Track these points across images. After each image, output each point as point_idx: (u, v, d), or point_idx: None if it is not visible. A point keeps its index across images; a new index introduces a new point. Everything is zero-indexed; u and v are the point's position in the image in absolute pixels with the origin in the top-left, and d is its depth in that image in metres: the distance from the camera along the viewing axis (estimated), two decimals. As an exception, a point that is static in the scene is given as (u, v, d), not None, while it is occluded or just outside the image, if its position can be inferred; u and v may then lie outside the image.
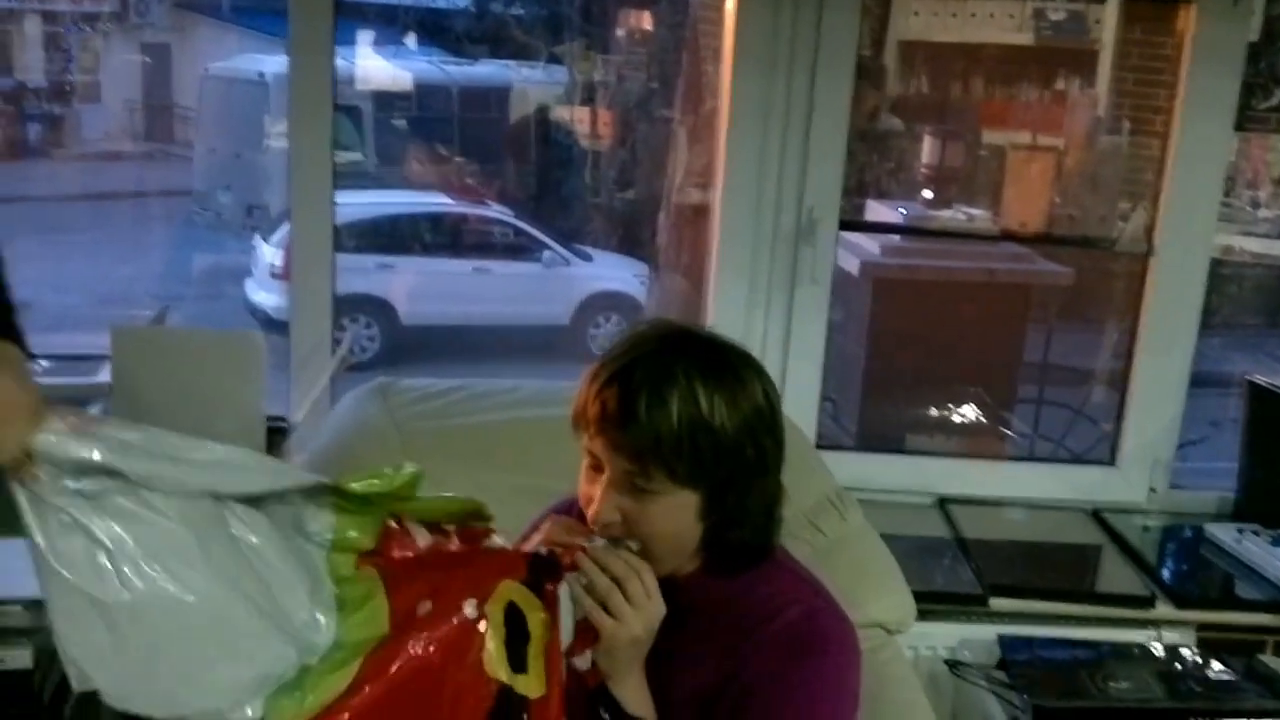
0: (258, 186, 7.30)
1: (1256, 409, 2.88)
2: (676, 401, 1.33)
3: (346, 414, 2.39)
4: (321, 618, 1.23)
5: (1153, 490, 2.94)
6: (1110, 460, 3.02)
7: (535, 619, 1.30)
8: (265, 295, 6.33)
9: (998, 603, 2.52)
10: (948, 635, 2.48)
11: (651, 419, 1.32)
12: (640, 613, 1.34)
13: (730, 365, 1.39)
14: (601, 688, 1.37)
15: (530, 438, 2.24)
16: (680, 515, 1.39)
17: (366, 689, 1.21)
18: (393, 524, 1.30)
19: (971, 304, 4.11)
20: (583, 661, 1.36)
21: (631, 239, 6.67)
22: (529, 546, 1.37)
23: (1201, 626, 2.54)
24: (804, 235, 2.75)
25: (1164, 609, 2.53)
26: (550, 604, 1.31)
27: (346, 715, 1.20)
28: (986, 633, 2.45)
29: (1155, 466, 2.93)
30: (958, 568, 2.62)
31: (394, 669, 1.22)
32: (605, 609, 1.33)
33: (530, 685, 1.28)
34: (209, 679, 1.18)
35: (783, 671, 1.39)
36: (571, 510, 1.53)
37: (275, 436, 2.67)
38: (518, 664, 1.27)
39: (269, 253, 6.45)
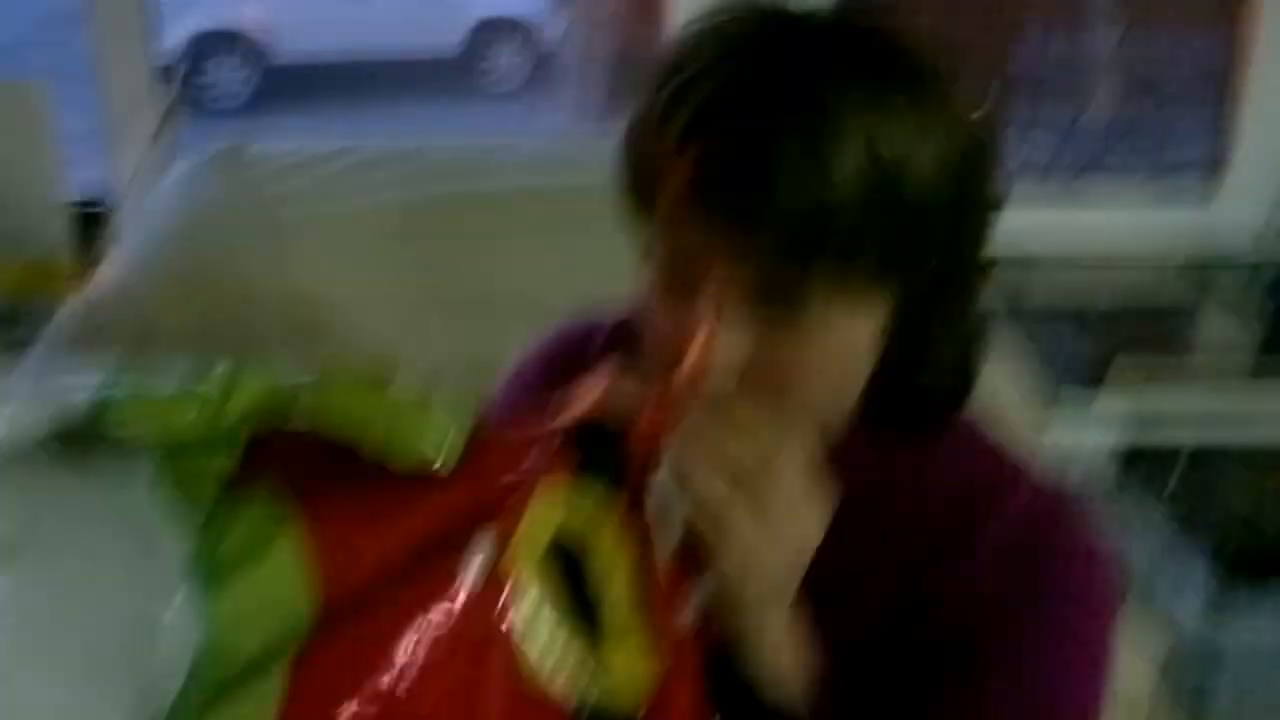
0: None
1: None
2: (850, 145, 0.73)
3: (175, 200, 1.74)
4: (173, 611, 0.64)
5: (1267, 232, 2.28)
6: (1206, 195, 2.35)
7: (606, 545, 0.76)
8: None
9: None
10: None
11: (808, 182, 0.73)
12: (788, 527, 0.77)
13: (917, 72, 0.78)
14: (719, 655, 0.78)
15: (462, 227, 1.67)
16: (849, 349, 0.82)
17: None
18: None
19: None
20: (682, 614, 0.77)
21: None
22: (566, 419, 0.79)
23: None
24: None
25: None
26: (632, 514, 0.76)
27: None
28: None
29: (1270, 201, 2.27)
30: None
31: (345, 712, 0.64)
32: (723, 525, 0.76)
33: (624, 672, 0.74)
34: None
35: (1010, 599, 0.85)
36: (605, 345, 1.01)
37: (91, 226, 2.13)
38: (587, 642, 0.74)
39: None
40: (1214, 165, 2.37)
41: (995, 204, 0.82)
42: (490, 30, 6.77)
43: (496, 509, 0.71)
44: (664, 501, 0.76)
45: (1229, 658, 1.47)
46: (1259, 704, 1.52)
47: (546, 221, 1.69)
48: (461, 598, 0.68)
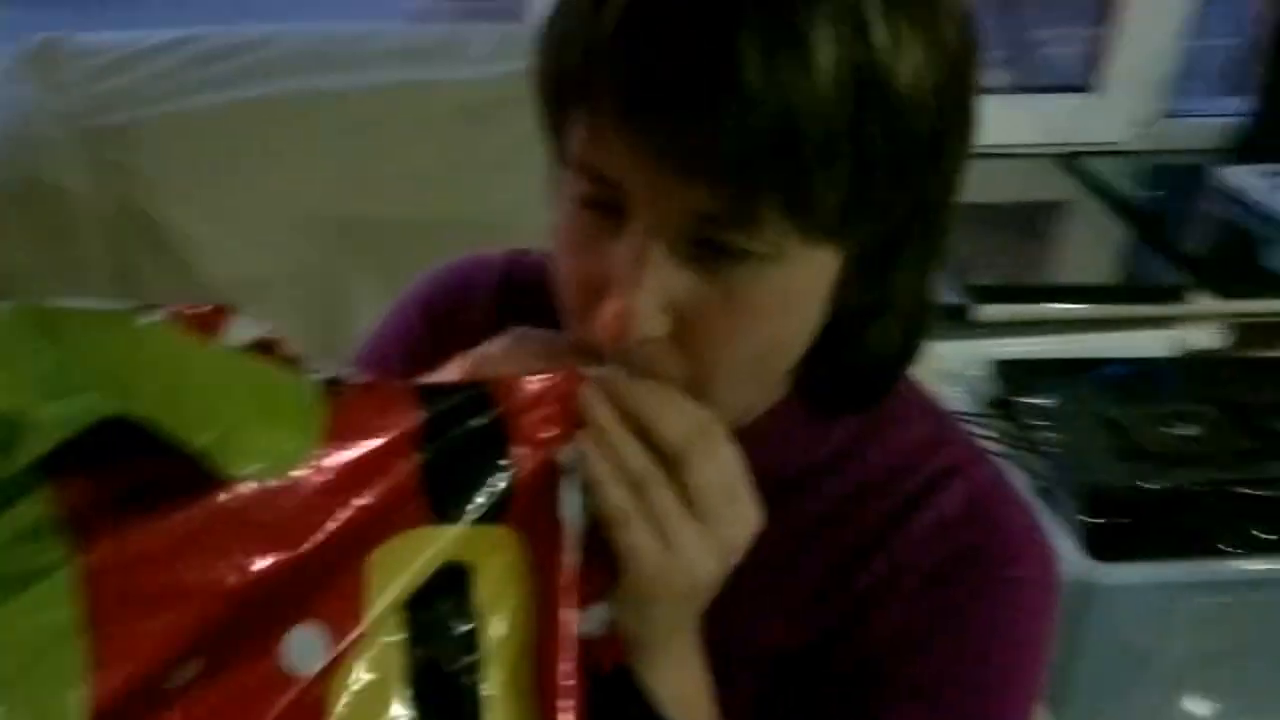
0: None
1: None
2: (825, 41, 0.60)
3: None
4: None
5: (1142, 123, 2.21)
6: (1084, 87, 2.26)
7: (491, 581, 0.61)
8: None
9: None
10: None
11: (775, 84, 0.60)
12: (715, 531, 0.65)
13: None
14: (622, 671, 0.67)
15: (322, 129, 1.51)
16: (801, 297, 0.69)
17: None
18: None
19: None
20: (588, 622, 0.63)
21: None
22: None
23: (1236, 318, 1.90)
24: None
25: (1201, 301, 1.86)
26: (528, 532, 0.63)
27: None
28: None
29: (1147, 92, 2.20)
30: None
31: None
32: (625, 542, 0.63)
33: None
34: None
35: (946, 607, 0.76)
36: (496, 288, 0.89)
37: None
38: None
39: None
40: (1091, 56, 2.30)
41: (975, 129, 0.69)
42: None
43: (338, 563, 0.56)
44: (571, 510, 0.63)
45: (1100, 595, 1.45)
46: (1130, 640, 1.51)
47: (424, 123, 1.55)
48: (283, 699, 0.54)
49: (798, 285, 0.67)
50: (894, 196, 0.65)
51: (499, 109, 1.48)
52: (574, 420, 0.63)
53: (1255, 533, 1.48)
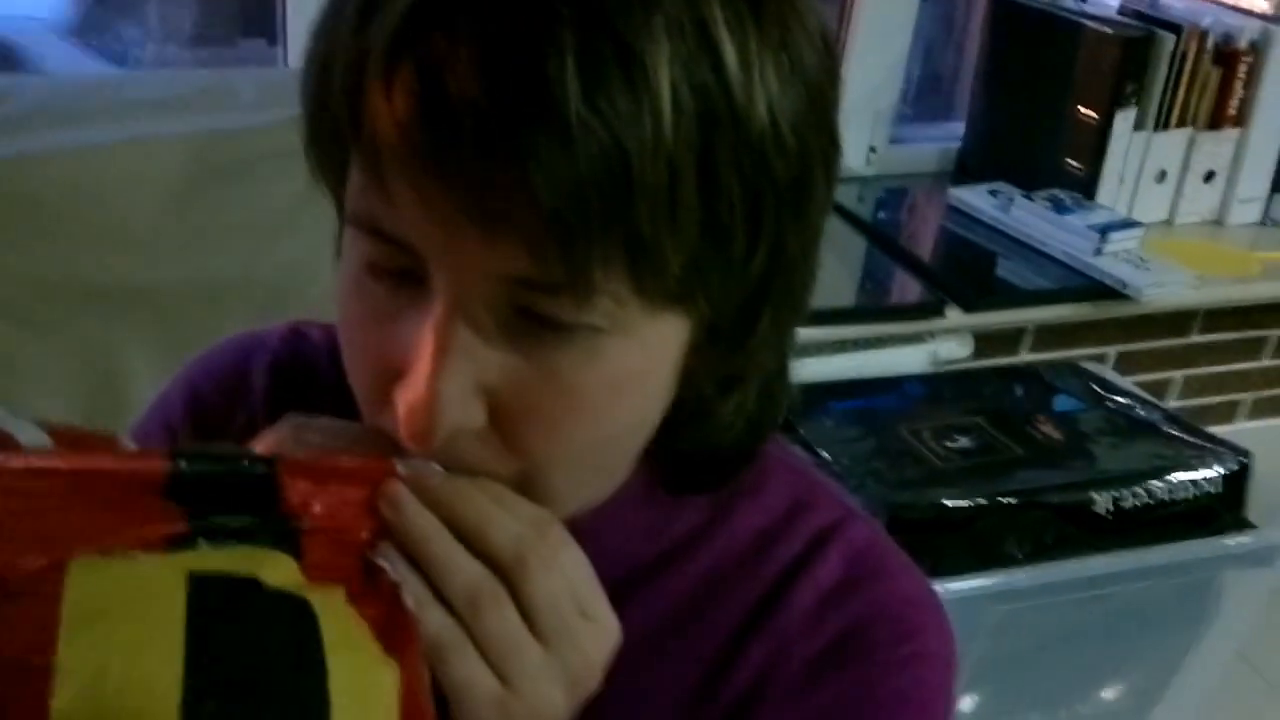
0: None
1: (999, 28, 2.29)
2: (662, 64, 0.47)
3: None
4: None
5: (872, 150, 2.29)
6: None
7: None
8: None
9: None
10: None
11: (598, 118, 0.46)
12: (563, 655, 0.54)
13: None
14: None
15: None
16: (645, 373, 0.56)
17: None
18: None
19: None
20: None
21: None
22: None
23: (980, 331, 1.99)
24: None
25: (951, 316, 1.93)
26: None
27: None
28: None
29: (876, 121, 2.27)
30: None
31: None
32: (467, 652, 0.52)
33: None
34: None
35: (840, 697, 0.65)
36: (269, 371, 0.75)
37: None
38: None
39: None
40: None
41: (838, 168, 0.57)
42: None
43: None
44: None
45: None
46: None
47: (194, 177, 1.41)
48: None
49: (638, 363, 0.54)
50: (750, 251, 0.53)
51: (274, 159, 1.38)
52: (377, 519, 0.52)
53: (1044, 539, 1.53)
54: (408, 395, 0.52)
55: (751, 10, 0.50)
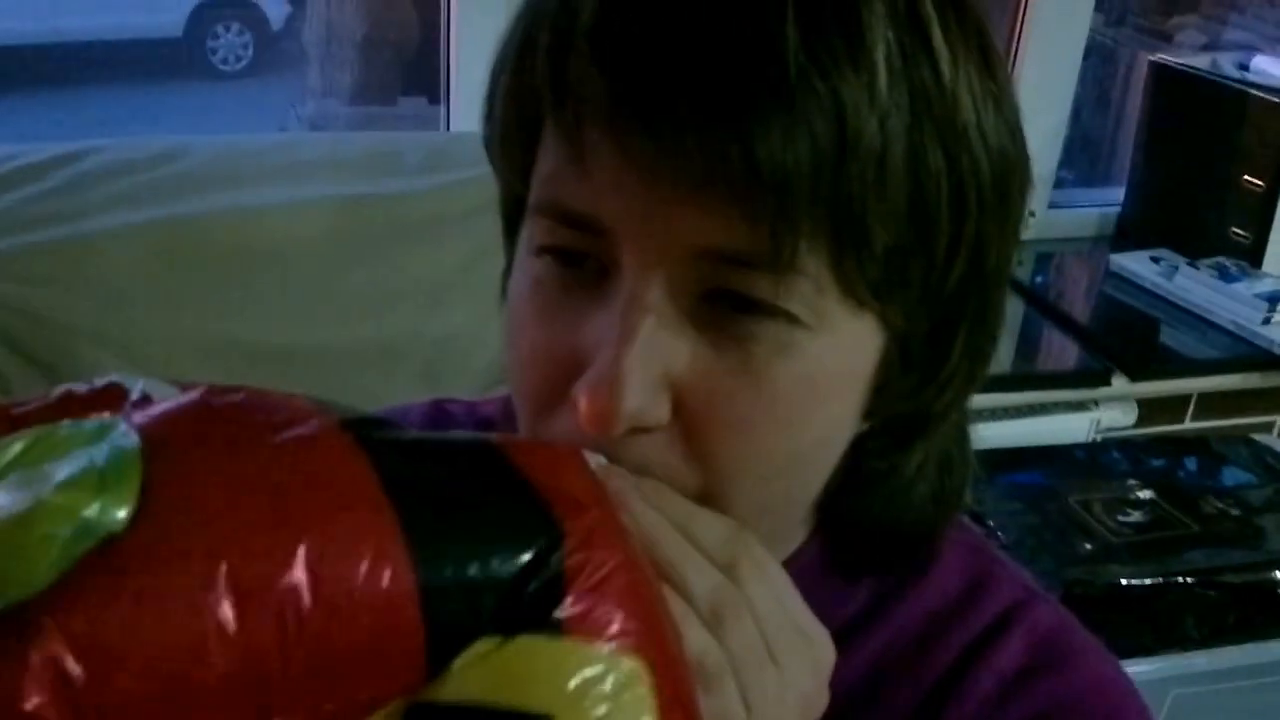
0: None
1: (1160, 94, 2.25)
2: (889, 36, 0.47)
3: None
4: None
5: (1031, 214, 2.26)
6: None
7: None
8: None
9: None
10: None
11: (833, 78, 0.46)
12: (790, 678, 0.49)
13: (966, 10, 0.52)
14: None
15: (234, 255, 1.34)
16: (836, 395, 0.53)
17: None
18: None
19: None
20: None
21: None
22: None
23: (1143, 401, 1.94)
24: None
25: (1116, 384, 1.89)
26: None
27: None
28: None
29: (1037, 185, 2.22)
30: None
31: None
32: (728, 678, 0.47)
33: None
34: None
35: None
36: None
37: None
38: None
39: None
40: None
41: (1028, 196, 0.55)
42: (215, 6, 6.01)
43: None
44: None
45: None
46: None
47: (356, 242, 1.42)
48: None
49: (832, 364, 0.50)
50: (952, 251, 0.51)
51: (436, 225, 1.40)
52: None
53: (1224, 621, 1.49)
54: (590, 378, 0.48)
55: (955, 10, 0.50)
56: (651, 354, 0.48)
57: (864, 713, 0.62)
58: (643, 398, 0.48)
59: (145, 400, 0.43)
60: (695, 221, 0.47)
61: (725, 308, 0.49)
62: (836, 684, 0.55)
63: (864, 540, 0.62)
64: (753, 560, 0.48)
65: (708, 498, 0.50)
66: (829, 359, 0.50)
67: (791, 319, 0.48)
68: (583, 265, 0.50)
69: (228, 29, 5.96)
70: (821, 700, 0.50)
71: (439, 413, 0.73)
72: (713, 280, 0.48)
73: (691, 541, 0.48)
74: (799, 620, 0.50)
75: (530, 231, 0.53)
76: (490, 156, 0.56)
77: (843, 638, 0.56)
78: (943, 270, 0.51)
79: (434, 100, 2.06)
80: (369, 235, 1.44)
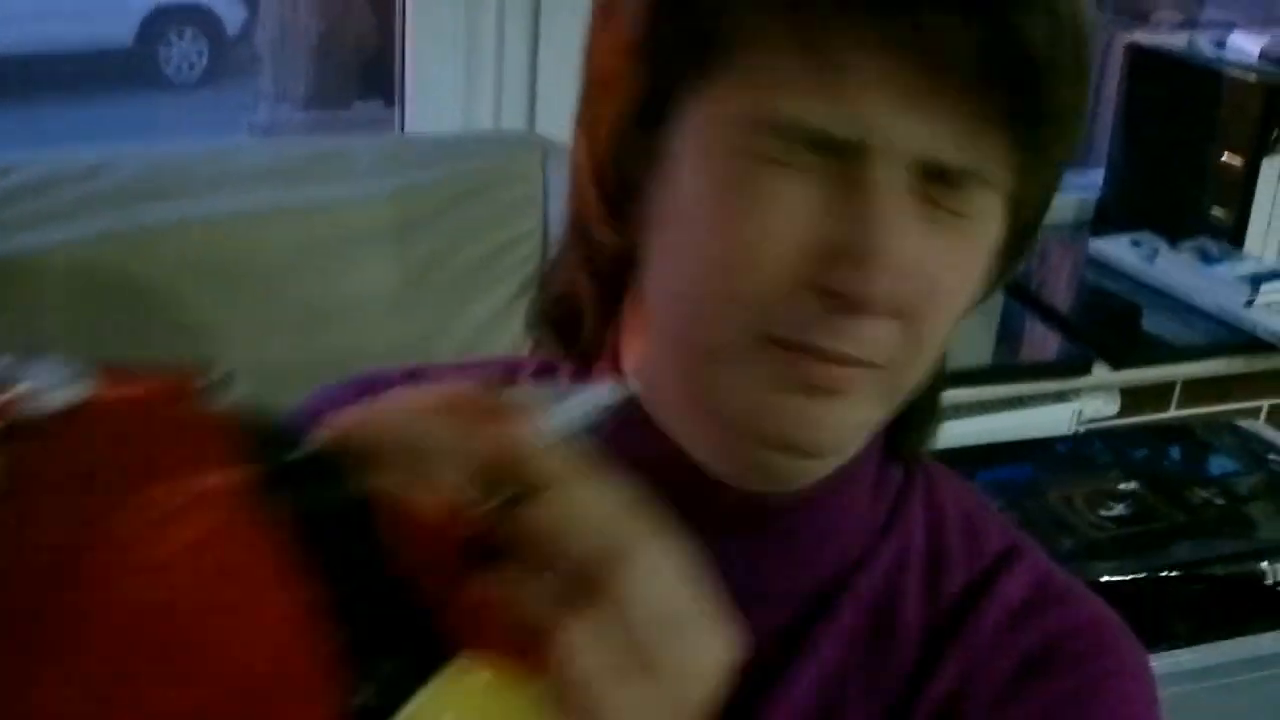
0: None
1: (1136, 76, 2.21)
2: None
3: None
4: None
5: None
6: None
7: None
8: None
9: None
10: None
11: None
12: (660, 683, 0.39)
13: None
14: None
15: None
16: (980, 272, 0.58)
17: None
18: None
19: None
20: None
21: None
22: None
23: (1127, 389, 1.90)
24: None
25: (1097, 373, 1.84)
26: None
27: None
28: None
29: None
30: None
31: None
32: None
33: None
34: None
35: (1042, 698, 0.63)
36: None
37: None
38: None
39: None
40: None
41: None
42: (166, 14, 6.03)
43: None
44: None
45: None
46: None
47: (305, 251, 1.37)
48: None
49: (988, 245, 0.57)
50: (1057, 158, 0.57)
51: (394, 230, 1.35)
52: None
53: (1210, 616, 1.45)
54: (853, 255, 0.52)
55: None
56: (904, 240, 0.52)
57: (884, 642, 0.64)
58: (897, 279, 0.52)
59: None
60: (949, 110, 0.51)
61: (940, 185, 0.53)
62: (861, 602, 0.64)
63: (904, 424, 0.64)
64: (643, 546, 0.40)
65: (894, 381, 0.56)
66: (988, 238, 0.56)
67: (984, 183, 0.54)
68: (814, 158, 0.53)
69: (181, 36, 5.92)
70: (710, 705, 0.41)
71: (417, 375, 0.71)
72: (935, 158, 0.52)
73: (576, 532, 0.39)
74: (690, 610, 0.40)
75: (744, 142, 0.53)
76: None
77: (882, 531, 0.66)
78: (1053, 171, 0.57)
79: (389, 103, 2.02)
80: (317, 243, 1.39)
